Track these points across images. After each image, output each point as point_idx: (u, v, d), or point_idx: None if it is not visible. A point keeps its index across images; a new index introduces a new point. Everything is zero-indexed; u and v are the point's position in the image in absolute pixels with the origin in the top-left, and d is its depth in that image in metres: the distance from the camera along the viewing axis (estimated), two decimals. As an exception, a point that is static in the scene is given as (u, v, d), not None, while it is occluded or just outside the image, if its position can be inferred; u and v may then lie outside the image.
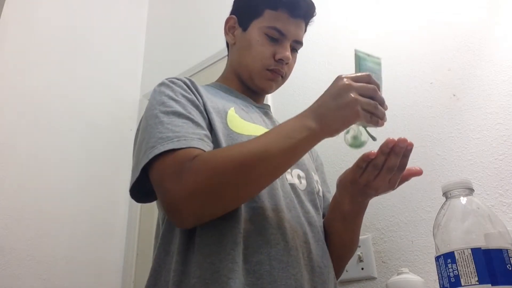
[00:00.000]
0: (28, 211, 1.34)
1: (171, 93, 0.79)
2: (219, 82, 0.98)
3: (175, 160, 0.68)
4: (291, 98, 1.40)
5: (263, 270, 0.68)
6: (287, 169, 0.76)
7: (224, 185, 0.66)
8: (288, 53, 0.90)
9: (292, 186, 0.82)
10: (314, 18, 0.97)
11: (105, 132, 1.64)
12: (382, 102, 0.68)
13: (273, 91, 0.97)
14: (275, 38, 0.89)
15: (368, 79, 0.68)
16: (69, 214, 1.43)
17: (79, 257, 1.40)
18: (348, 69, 1.30)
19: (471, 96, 1.04)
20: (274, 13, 0.89)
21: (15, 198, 1.32)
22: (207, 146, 0.72)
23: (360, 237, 1.09)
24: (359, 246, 1.09)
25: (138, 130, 0.82)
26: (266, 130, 0.86)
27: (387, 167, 0.70)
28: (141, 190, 0.74)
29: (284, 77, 0.94)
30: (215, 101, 0.84)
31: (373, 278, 1.05)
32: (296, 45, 0.94)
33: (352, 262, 1.08)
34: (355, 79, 0.68)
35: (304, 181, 0.86)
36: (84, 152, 1.54)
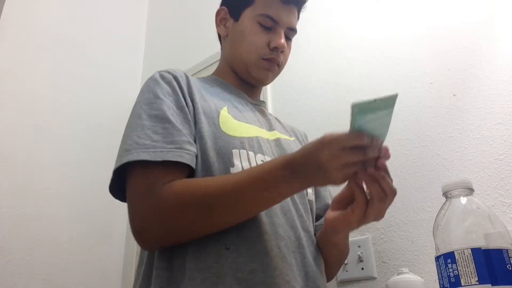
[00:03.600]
0: (28, 212, 1.34)
1: (158, 91, 0.77)
2: (214, 76, 0.96)
3: (147, 179, 0.68)
4: (292, 98, 1.40)
5: (257, 279, 0.67)
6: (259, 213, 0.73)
7: (192, 223, 0.66)
8: (282, 40, 0.87)
9: None
10: (306, 4, 0.96)
11: (105, 132, 1.64)
12: (371, 163, 0.62)
13: (269, 82, 0.94)
14: (268, 26, 0.87)
15: (356, 141, 0.61)
16: (69, 214, 1.43)
17: (79, 257, 1.40)
18: (348, 69, 1.31)
19: (471, 96, 1.04)
20: (265, 0, 0.87)
21: (15, 198, 1.32)
22: (186, 154, 0.70)
23: (360, 237, 1.10)
24: (359, 246, 1.09)
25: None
26: (260, 130, 0.84)
27: (376, 197, 0.65)
28: (121, 187, 0.73)
29: (280, 66, 0.91)
30: (208, 99, 0.82)
31: (373, 278, 1.05)
32: (290, 32, 0.91)
33: (352, 262, 1.08)
34: (341, 143, 0.61)
35: None
36: (84, 152, 1.54)
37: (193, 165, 0.71)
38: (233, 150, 0.75)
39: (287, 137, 0.93)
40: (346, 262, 1.09)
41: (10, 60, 1.45)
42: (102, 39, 1.81)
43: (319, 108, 1.31)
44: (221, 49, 0.98)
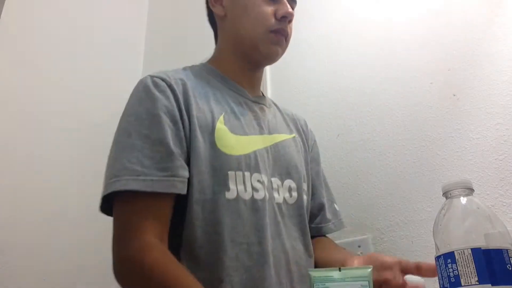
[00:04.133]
0: (28, 211, 1.34)
1: (150, 105, 0.71)
2: (210, 65, 0.90)
3: (132, 214, 0.66)
4: (292, 97, 1.40)
5: None
6: None
7: None
8: (290, 9, 0.84)
9: (279, 206, 0.78)
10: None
11: (106, 132, 1.64)
12: None
13: (278, 58, 0.89)
14: None
15: None
16: (69, 214, 1.43)
17: (79, 257, 1.40)
18: (348, 69, 1.31)
19: (471, 96, 1.04)
20: None
21: (15, 198, 1.32)
22: (179, 183, 0.68)
23: (360, 237, 1.10)
24: (359, 246, 1.09)
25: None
26: (257, 140, 0.81)
27: None
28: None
29: (287, 40, 0.87)
30: (204, 107, 0.77)
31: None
32: (292, 3, 0.88)
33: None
34: None
35: (295, 194, 0.82)
36: (85, 152, 1.54)
37: (184, 192, 0.69)
38: (229, 172, 0.72)
39: (286, 135, 0.90)
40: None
41: (10, 60, 1.45)
42: (102, 39, 1.81)
43: (319, 109, 1.31)
44: (218, 34, 0.92)
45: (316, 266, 0.84)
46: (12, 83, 1.43)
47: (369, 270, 0.63)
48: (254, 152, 0.78)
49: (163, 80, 0.75)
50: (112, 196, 0.68)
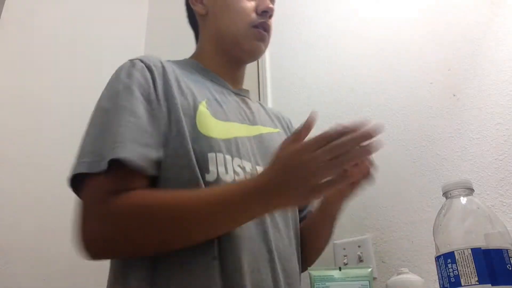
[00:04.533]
0: (28, 212, 1.34)
1: (128, 82, 0.70)
2: (193, 60, 0.89)
3: (104, 184, 0.62)
4: (292, 97, 1.40)
5: None
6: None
7: (138, 239, 0.61)
8: (270, 4, 0.84)
9: None
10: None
11: (105, 132, 1.64)
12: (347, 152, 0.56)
13: (261, 55, 0.89)
14: None
15: (324, 142, 0.56)
16: (69, 214, 1.43)
17: (79, 257, 1.40)
18: (348, 69, 1.31)
19: (471, 96, 1.04)
20: None
21: (15, 198, 1.32)
22: (146, 152, 0.64)
23: (360, 237, 1.10)
24: (359, 246, 1.09)
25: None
26: (240, 127, 0.80)
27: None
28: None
29: (269, 34, 0.87)
30: (186, 91, 0.75)
31: (373, 279, 1.05)
32: None
33: (352, 262, 1.08)
34: (311, 146, 0.56)
35: None
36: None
37: (153, 173, 0.66)
38: (208, 154, 0.70)
39: (271, 129, 0.89)
40: (346, 262, 1.09)
41: (10, 60, 1.45)
42: (102, 39, 1.81)
43: (319, 109, 1.31)
44: (199, 32, 0.92)
45: (304, 237, 0.84)
46: (12, 83, 1.43)
47: (369, 270, 0.63)
48: (235, 138, 0.76)
49: (141, 61, 0.75)
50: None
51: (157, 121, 0.69)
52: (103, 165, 0.62)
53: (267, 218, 0.73)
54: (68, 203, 1.47)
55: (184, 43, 1.90)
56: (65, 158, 1.48)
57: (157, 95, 0.71)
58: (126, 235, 0.61)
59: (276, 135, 0.89)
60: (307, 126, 0.60)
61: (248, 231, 0.69)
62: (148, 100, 0.70)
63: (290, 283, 0.74)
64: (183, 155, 0.68)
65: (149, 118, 0.68)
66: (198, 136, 0.70)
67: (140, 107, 0.68)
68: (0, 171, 1.32)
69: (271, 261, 0.71)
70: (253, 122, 0.84)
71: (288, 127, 0.98)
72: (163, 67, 0.75)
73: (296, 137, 0.59)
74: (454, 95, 1.07)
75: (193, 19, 0.95)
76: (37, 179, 1.39)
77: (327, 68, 1.34)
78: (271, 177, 0.59)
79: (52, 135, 1.48)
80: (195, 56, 0.91)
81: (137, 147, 0.64)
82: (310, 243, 0.87)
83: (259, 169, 0.77)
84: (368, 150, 0.58)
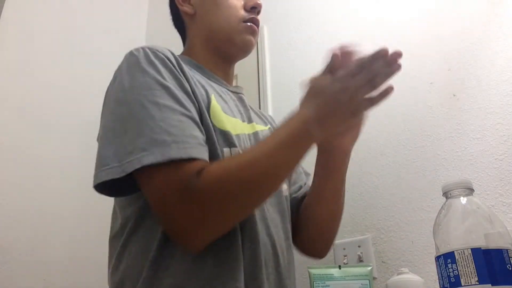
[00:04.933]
0: (28, 211, 1.34)
1: (157, 76, 0.67)
2: (186, 56, 0.87)
3: (178, 177, 0.59)
4: (293, 99, 1.39)
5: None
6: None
7: (236, 205, 0.61)
8: (259, 0, 0.87)
9: None
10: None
11: (105, 132, 1.64)
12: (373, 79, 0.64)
13: (252, 49, 0.90)
14: None
15: (358, 69, 0.63)
16: (69, 214, 1.43)
17: (79, 257, 1.40)
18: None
19: (471, 96, 1.04)
20: None
21: (15, 198, 1.32)
22: (206, 151, 0.64)
23: (360, 237, 1.10)
24: (359, 246, 1.09)
25: (108, 98, 0.70)
26: (241, 124, 0.80)
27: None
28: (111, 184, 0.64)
29: (258, 29, 0.88)
30: (197, 82, 0.74)
31: (373, 278, 1.05)
32: None
33: (352, 262, 1.08)
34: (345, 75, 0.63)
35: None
36: (85, 152, 1.54)
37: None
38: (224, 149, 0.70)
39: (263, 127, 0.90)
40: (346, 262, 1.09)
41: (10, 60, 1.45)
42: (102, 39, 1.81)
43: (319, 108, 1.31)
44: (187, 32, 0.93)
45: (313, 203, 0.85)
46: (12, 83, 1.43)
47: (369, 268, 0.63)
48: (243, 134, 0.78)
49: (158, 51, 0.71)
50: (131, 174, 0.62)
51: (198, 112, 0.69)
52: (189, 153, 0.60)
53: (267, 213, 0.74)
54: (69, 203, 1.48)
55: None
56: (65, 158, 1.49)
57: (190, 85, 0.70)
58: (228, 205, 0.61)
59: (268, 132, 0.90)
60: (336, 58, 0.65)
61: (255, 225, 0.69)
62: (186, 93, 0.68)
63: (290, 277, 0.75)
64: (209, 148, 0.67)
65: (195, 111, 0.67)
66: (212, 127, 0.70)
67: (183, 101, 0.66)
68: (0, 171, 1.32)
69: (275, 255, 0.72)
70: (249, 119, 0.85)
71: (271, 124, 0.98)
72: (177, 58, 0.74)
73: (328, 69, 0.65)
74: (454, 95, 1.07)
75: (178, 22, 0.96)
76: (37, 179, 1.39)
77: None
78: (313, 109, 0.63)
79: (52, 135, 1.48)
80: (186, 53, 0.91)
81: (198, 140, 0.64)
82: (323, 215, 0.86)
83: None
84: (395, 70, 0.66)
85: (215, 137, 0.69)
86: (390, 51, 0.63)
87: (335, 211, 0.87)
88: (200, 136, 0.65)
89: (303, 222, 0.87)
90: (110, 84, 0.73)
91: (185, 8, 0.90)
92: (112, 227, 0.76)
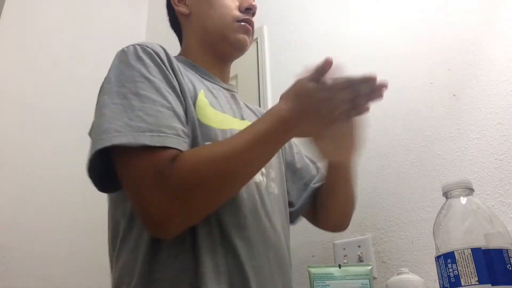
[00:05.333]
0: (28, 211, 1.34)
1: (143, 70, 0.68)
2: (182, 56, 0.89)
3: (152, 163, 0.60)
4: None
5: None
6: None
7: (209, 193, 0.62)
8: (253, 2, 0.88)
9: (257, 185, 0.77)
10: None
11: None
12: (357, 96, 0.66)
13: (247, 48, 0.90)
14: None
15: (342, 86, 0.65)
16: (69, 213, 1.43)
17: (79, 257, 1.40)
18: (348, 69, 1.30)
19: (471, 96, 1.04)
20: None
21: (15, 197, 1.32)
22: (183, 143, 0.64)
23: (360, 237, 1.10)
24: (359, 246, 1.09)
25: (100, 93, 0.71)
26: (233, 120, 0.80)
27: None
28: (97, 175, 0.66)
29: (252, 30, 0.90)
30: (186, 78, 0.76)
31: (373, 278, 1.05)
32: None
33: (352, 262, 1.08)
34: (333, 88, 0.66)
35: (272, 176, 0.83)
36: (84, 152, 1.54)
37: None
38: (206, 144, 0.70)
39: None
40: (346, 261, 1.09)
41: (10, 60, 1.45)
42: (102, 39, 1.81)
43: (319, 108, 1.31)
44: (183, 31, 0.94)
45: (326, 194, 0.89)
46: (12, 83, 1.43)
47: (369, 267, 0.63)
48: (231, 130, 0.77)
49: (147, 46, 0.73)
50: (104, 159, 0.64)
51: (182, 106, 0.70)
52: (162, 142, 0.61)
53: (261, 207, 0.74)
54: (69, 203, 1.48)
55: (184, 43, 1.91)
56: (65, 158, 1.49)
57: (173, 79, 0.71)
58: (201, 192, 0.61)
59: None
60: (324, 67, 0.67)
61: (245, 219, 0.70)
62: (171, 87, 0.70)
63: (283, 272, 0.75)
64: (192, 142, 0.69)
65: (176, 102, 0.68)
66: (198, 124, 0.71)
67: (167, 95, 0.67)
68: (0, 171, 1.32)
69: (266, 249, 0.72)
70: (242, 117, 0.86)
71: None
72: (168, 54, 0.75)
73: (314, 76, 0.66)
74: (454, 95, 1.07)
75: (174, 22, 0.97)
76: (37, 180, 1.39)
77: (327, 68, 1.34)
78: (293, 108, 0.65)
79: (52, 135, 1.48)
80: (182, 53, 0.92)
81: (175, 129, 0.65)
82: (336, 203, 0.90)
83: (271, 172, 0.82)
84: (376, 97, 0.67)
85: (198, 131, 0.70)
86: (379, 79, 0.66)
87: (348, 200, 0.90)
88: (179, 127, 0.65)
89: (319, 207, 0.92)
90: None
91: (181, 8, 0.91)
92: (109, 226, 0.76)
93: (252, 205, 0.72)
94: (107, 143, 0.60)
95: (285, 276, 0.74)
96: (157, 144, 0.60)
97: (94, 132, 0.66)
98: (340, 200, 0.89)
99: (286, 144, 0.97)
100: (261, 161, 0.67)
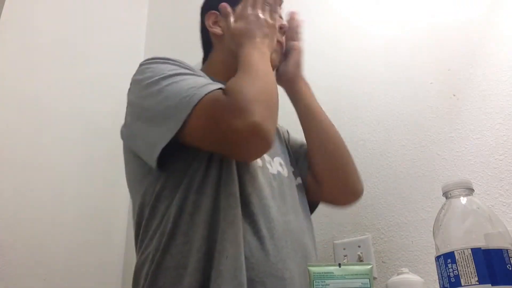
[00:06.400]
0: (28, 211, 1.34)
1: (174, 66, 0.79)
2: (202, 72, 0.92)
3: (216, 96, 0.70)
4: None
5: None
6: None
7: (260, 97, 0.72)
8: (284, 22, 0.94)
9: (274, 176, 0.83)
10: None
11: (105, 133, 1.64)
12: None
13: (276, 67, 0.96)
14: None
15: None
16: (69, 214, 1.43)
17: (79, 258, 1.40)
18: (347, 70, 1.31)
19: (471, 96, 1.04)
20: None
21: (16, 198, 1.32)
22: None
23: (360, 237, 1.10)
24: (359, 246, 1.09)
25: (133, 96, 0.81)
26: None
27: None
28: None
29: (282, 50, 0.96)
30: None
31: (373, 278, 1.05)
32: (280, 7, 0.97)
33: (352, 262, 1.08)
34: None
35: (286, 169, 0.88)
36: (85, 153, 1.54)
37: None
38: None
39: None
40: (346, 261, 1.09)
41: (10, 60, 1.45)
42: (102, 39, 1.81)
43: (319, 108, 1.31)
44: (214, 49, 0.97)
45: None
46: (12, 83, 1.43)
47: (370, 267, 0.62)
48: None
49: (165, 57, 0.83)
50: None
51: None
52: (211, 88, 0.72)
53: (269, 195, 0.79)
54: (70, 203, 1.48)
55: (184, 43, 1.91)
56: (65, 158, 1.49)
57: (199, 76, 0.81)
58: (257, 103, 0.70)
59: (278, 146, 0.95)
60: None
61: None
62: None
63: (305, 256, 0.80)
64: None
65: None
66: None
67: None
68: (0, 171, 1.32)
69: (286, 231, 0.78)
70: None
71: (285, 138, 1.00)
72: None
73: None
74: (454, 95, 1.07)
75: (207, 41, 0.99)
76: (37, 179, 1.39)
77: (327, 68, 1.34)
78: (243, 29, 0.84)
79: (52, 135, 1.48)
80: (205, 69, 0.95)
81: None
82: (318, 141, 0.94)
83: (277, 160, 0.88)
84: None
85: None
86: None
87: (330, 137, 0.94)
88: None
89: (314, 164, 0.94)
90: (128, 91, 0.83)
91: (215, 30, 0.95)
92: (133, 213, 0.84)
93: (270, 188, 0.79)
94: (201, 95, 0.70)
95: (304, 255, 0.79)
96: (214, 89, 0.71)
97: (173, 100, 0.72)
98: (319, 145, 0.92)
99: (287, 134, 1.03)
100: (270, 71, 0.81)
